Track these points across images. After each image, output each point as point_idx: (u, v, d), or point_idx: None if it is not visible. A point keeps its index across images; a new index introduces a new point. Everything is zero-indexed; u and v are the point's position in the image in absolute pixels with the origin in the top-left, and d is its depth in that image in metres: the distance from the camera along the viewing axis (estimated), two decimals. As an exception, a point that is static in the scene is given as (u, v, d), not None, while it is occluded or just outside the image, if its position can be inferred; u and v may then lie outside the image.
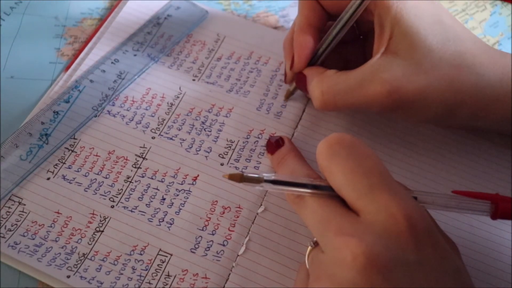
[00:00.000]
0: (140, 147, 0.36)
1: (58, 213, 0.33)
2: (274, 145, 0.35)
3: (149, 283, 0.31)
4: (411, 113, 0.33)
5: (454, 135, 0.38)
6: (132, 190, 0.34)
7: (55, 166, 0.35)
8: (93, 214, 0.33)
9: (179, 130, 0.37)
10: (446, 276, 0.25)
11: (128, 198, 0.34)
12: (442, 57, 0.31)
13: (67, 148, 0.35)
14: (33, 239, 0.32)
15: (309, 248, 0.28)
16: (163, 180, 0.35)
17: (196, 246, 0.32)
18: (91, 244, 0.32)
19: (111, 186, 0.34)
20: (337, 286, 0.24)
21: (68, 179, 0.34)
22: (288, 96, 0.39)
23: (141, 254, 0.32)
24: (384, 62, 0.32)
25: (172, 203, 0.34)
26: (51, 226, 0.32)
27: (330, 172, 0.27)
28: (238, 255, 0.32)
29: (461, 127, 0.37)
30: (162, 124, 0.37)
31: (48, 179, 0.34)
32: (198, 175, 0.35)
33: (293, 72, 0.36)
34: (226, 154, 0.36)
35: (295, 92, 0.38)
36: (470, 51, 0.32)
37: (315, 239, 0.28)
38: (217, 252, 0.32)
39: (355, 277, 0.24)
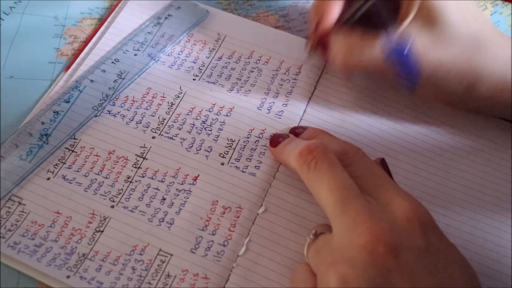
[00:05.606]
0: (141, 147, 0.36)
1: (58, 213, 0.33)
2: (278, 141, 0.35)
3: (149, 283, 0.31)
4: (430, 88, 0.34)
5: (456, 134, 0.38)
6: (132, 190, 0.34)
7: (55, 166, 0.35)
8: (93, 214, 0.33)
9: (180, 129, 0.37)
10: (453, 265, 0.27)
11: (128, 198, 0.34)
12: (462, 33, 0.33)
13: (67, 148, 0.35)
14: (33, 239, 0.32)
15: (308, 241, 0.28)
16: (163, 180, 0.35)
17: (197, 246, 0.32)
18: (91, 244, 0.32)
19: (111, 186, 0.34)
20: (357, 268, 0.25)
21: (68, 179, 0.34)
22: (311, 49, 0.38)
23: (141, 254, 0.32)
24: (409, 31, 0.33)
25: (173, 203, 0.34)
26: (51, 226, 0.32)
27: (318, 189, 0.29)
28: (238, 256, 0.32)
29: (481, 108, 0.37)
30: (162, 123, 0.37)
31: (48, 179, 0.34)
32: (198, 175, 0.35)
33: (318, 33, 0.36)
34: (227, 154, 0.36)
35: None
36: (488, 30, 0.34)
37: (314, 231, 0.29)
38: (217, 252, 0.32)
39: (374, 260, 0.25)
